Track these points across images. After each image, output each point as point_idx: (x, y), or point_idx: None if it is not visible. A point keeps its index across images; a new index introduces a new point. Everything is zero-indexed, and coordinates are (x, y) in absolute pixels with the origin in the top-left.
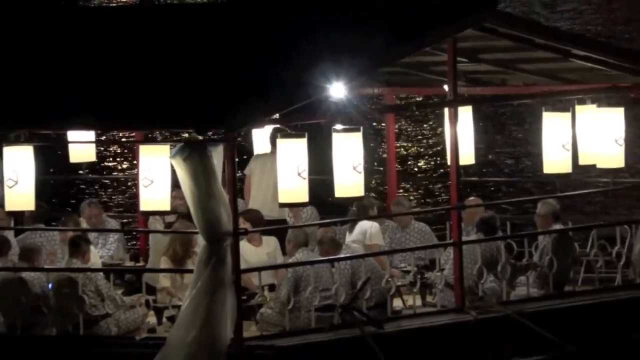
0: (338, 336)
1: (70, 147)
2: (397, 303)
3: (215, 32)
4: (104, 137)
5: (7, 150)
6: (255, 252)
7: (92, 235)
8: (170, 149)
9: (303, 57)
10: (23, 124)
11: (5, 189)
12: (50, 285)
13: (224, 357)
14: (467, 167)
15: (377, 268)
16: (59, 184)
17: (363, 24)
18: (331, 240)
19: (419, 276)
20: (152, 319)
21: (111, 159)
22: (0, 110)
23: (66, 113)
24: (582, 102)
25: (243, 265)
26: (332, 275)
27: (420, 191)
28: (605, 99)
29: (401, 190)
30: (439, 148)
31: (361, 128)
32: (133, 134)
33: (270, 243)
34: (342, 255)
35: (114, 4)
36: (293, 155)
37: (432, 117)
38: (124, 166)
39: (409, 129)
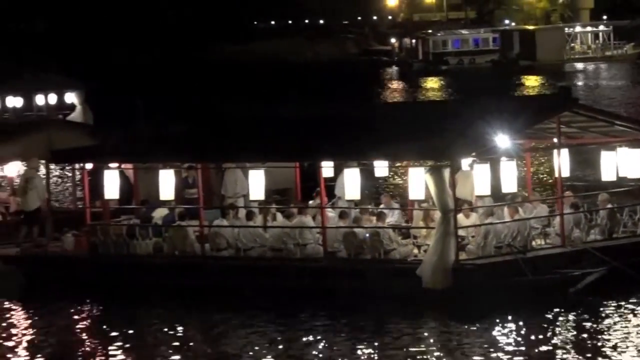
0: (504, 259)
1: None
2: (533, 243)
3: (443, 114)
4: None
5: (347, 172)
6: (463, 219)
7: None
8: (424, 169)
9: (487, 124)
10: (349, 158)
11: None
12: (367, 235)
13: (450, 269)
14: (564, 179)
15: (525, 225)
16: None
17: (515, 110)
18: (515, 208)
19: (543, 229)
20: (415, 250)
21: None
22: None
23: (372, 151)
24: (620, 146)
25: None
26: (506, 228)
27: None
28: (632, 144)
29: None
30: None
31: (514, 159)
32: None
33: (473, 215)
34: (511, 219)
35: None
36: (483, 172)
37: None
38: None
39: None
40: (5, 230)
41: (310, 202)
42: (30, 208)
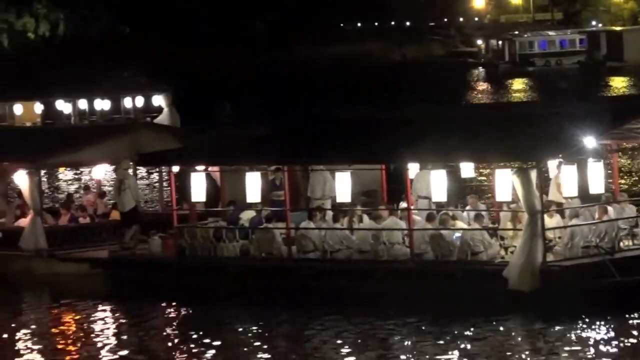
0: (592, 260)
1: (462, 169)
2: (621, 244)
3: (529, 115)
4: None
5: (433, 173)
6: (547, 220)
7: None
8: (511, 170)
9: (574, 124)
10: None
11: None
12: (456, 237)
13: (537, 270)
14: None
15: (612, 225)
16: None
17: (601, 111)
18: (604, 209)
19: (631, 230)
20: (502, 252)
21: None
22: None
23: (458, 153)
24: None
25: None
26: (590, 230)
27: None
28: None
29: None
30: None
31: (602, 160)
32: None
33: (557, 216)
34: (599, 219)
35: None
36: (570, 173)
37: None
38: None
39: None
40: (92, 233)
41: (402, 203)
42: (125, 209)
